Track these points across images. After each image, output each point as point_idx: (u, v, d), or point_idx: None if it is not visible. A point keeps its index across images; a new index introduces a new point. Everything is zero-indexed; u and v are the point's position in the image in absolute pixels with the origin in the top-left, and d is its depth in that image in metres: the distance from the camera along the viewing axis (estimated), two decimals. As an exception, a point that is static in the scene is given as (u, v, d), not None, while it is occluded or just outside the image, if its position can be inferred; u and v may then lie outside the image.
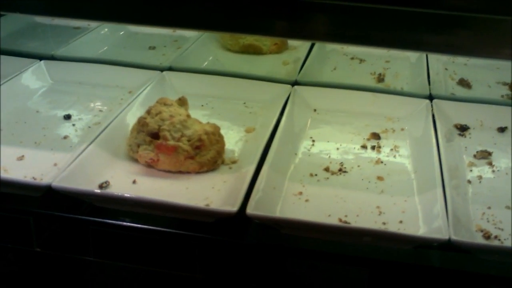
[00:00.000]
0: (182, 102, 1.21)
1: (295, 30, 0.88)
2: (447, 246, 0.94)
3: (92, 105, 1.38)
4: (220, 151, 1.16)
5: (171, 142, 1.11)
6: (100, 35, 1.76)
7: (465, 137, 1.28)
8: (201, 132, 1.13)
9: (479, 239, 0.97)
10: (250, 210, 0.97)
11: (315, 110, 1.37)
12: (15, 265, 1.11)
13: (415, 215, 1.03)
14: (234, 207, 0.99)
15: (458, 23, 0.81)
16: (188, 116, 1.17)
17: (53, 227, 1.07)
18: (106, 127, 1.22)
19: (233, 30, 0.98)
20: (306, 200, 1.07)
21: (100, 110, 1.36)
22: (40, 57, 1.54)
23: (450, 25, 0.81)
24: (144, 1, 0.90)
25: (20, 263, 1.10)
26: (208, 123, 1.19)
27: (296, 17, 0.86)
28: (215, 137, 1.16)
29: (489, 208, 1.06)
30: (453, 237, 0.93)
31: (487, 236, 0.98)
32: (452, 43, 0.83)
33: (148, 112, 1.17)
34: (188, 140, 1.12)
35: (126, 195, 1.02)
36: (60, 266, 1.09)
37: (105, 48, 1.72)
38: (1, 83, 1.39)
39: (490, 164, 1.19)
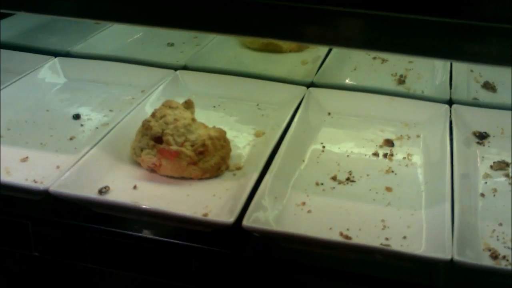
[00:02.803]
0: (188, 105, 1.19)
1: (308, 35, 0.86)
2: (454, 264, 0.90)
3: (103, 104, 1.37)
4: (225, 157, 1.13)
5: (174, 147, 1.09)
6: (119, 30, 1.74)
7: (483, 145, 1.22)
8: (205, 137, 1.11)
9: (486, 259, 0.92)
10: (246, 222, 0.94)
11: (329, 113, 1.33)
12: (12, 268, 1.11)
13: (420, 230, 0.98)
14: (230, 218, 0.96)
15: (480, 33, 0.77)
16: (193, 119, 1.14)
17: (51, 232, 1.05)
18: (112, 129, 1.20)
19: (245, 34, 0.96)
20: (309, 211, 1.03)
21: (111, 110, 1.34)
22: (56, 54, 1.53)
23: (472, 34, 0.77)
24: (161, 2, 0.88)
25: (17, 267, 1.10)
26: (214, 127, 1.16)
27: (310, 22, 0.83)
28: (220, 142, 1.13)
29: (500, 225, 1.01)
30: (456, 257, 0.88)
31: (494, 256, 0.93)
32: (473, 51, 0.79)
33: (153, 115, 1.15)
34: (192, 145, 1.10)
35: (121, 202, 1.01)
36: (58, 271, 1.08)
37: (123, 44, 1.69)
38: (14, 80, 1.38)
39: (507, 176, 1.13)
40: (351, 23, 0.82)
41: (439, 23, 0.77)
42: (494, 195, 1.08)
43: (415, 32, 0.79)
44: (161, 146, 1.10)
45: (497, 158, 1.18)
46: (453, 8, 0.75)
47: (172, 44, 1.70)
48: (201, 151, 1.10)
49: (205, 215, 1.00)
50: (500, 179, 1.13)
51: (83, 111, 1.33)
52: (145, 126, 1.13)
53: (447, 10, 0.75)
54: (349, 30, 0.83)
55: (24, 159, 1.14)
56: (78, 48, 1.59)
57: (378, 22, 0.79)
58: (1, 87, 1.34)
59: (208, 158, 1.10)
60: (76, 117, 1.30)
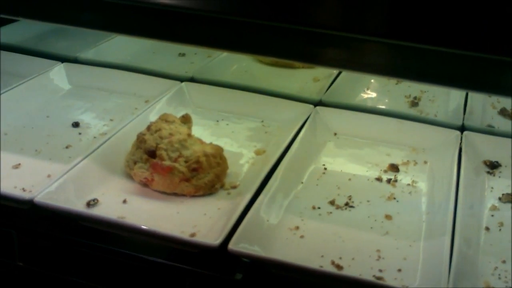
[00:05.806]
0: (185, 119, 1.15)
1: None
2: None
3: (104, 113, 1.34)
4: (220, 174, 1.09)
5: (167, 163, 1.05)
6: (131, 38, 1.69)
7: (494, 175, 1.17)
8: (200, 153, 1.07)
9: (483, 299, 0.87)
10: (232, 245, 0.90)
11: (335, 134, 1.28)
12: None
13: (416, 264, 0.93)
14: (216, 240, 0.92)
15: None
16: (189, 135, 1.10)
17: (37, 243, 1.02)
18: (108, 139, 1.17)
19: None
20: (301, 237, 0.99)
21: (111, 119, 1.31)
22: (64, 59, 1.51)
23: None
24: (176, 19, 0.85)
25: (0, 276, 1.07)
26: (211, 143, 1.12)
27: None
28: (216, 160, 1.09)
29: (503, 262, 0.95)
30: (451, 296, 0.83)
31: (493, 295, 0.88)
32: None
33: (148, 128, 1.11)
34: (186, 161, 1.06)
35: (105, 217, 0.97)
36: (42, 283, 1.05)
37: (133, 52, 1.65)
38: (17, 84, 1.36)
39: (515, 209, 1.08)
40: (361, 49, 0.78)
41: (453, 54, 0.73)
42: (500, 229, 1.02)
43: (428, 61, 0.75)
44: (154, 161, 1.06)
45: (507, 190, 1.12)
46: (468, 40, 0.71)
47: (183, 54, 1.66)
48: (195, 167, 1.06)
49: (193, 235, 0.96)
50: (508, 212, 1.07)
51: (83, 119, 1.30)
52: (139, 139, 1.10)
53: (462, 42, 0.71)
54: (359, 55, 0.79)
55: (16, 166, 1.12)
56: (87, 54, 1.57)
57: (390, 49, 0.76)
58: (3, 91, 1.32)
59: (202, 175, 1.06)
60: (75, 125, 1.28)
